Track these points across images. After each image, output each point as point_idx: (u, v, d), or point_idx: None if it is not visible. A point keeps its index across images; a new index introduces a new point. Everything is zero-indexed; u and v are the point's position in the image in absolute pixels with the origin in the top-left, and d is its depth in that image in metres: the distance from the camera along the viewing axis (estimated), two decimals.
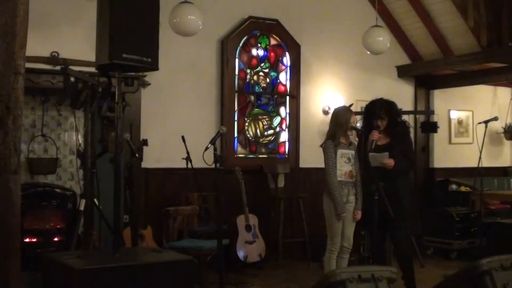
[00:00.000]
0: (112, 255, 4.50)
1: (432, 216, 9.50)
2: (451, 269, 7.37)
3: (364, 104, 9.54)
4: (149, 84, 7.99)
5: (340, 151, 6.31)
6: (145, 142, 7.38)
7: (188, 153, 6.95)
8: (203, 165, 5.91)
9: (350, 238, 6.41)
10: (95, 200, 5.69)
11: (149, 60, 4.47)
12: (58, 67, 7.09)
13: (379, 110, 6.60)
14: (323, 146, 6.41)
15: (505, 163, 11.58)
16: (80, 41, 7.42)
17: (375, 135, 6.48)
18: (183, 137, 7.00)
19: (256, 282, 7.65)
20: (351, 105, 6.65)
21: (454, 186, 10.36)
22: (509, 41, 8.83)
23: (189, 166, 6.86)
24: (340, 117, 6.44)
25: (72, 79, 5.49)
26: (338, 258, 6.38)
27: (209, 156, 5.72)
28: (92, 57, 4.56)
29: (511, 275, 4.83)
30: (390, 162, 6.39)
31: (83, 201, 5.65)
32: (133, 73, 7.42)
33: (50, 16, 7.42)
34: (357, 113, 8.81)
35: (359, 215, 6.35)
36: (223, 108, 8.66)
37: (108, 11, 4.30)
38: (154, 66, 4.54)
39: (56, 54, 7.47)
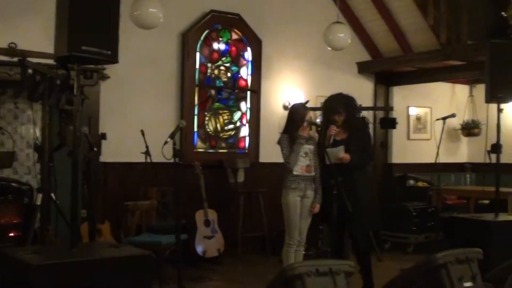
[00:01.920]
0: (69, 250, 4.45)
1: (390, 211, 9.60)
2: (408, 263, 7.39)
3: (324, 100, 9.62)
4: (108, 77, 7.93)
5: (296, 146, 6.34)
6: (103, 136, 7.32)
7: (147, 147, 6.92)
8: (162, 160, 5.90)
9: (304, 232, 6.45)
10: (52, 194, 5.63)
11: (109, 52, 4.43)
12: (15, 59, 6.98)
13: (337, 105, 6.63)
14: (278, 139, 6.44)
15: (462, 159, 11.75)
16: (38, 33, 7.32)
17: (332, 129, 6.51)
18: (142, 131, 6.97)
19: (214, 277, 7.66)
20: (307, 101, 6.68)
21: (411, 182, 10.48)
22: (468, 39, 8.95)
23: (148, 160, 6.83)
24: (295, 114, 6.46)
25: (29, 71, 5.43)
26: (291, 252, 6.42)
27: (168, 151, 5.71)
28: (50, 49, 4.52)
29: (466, 269, 4.92)
30: (346, 156, 6.42)
31: (39, 196, 5.58)
32: (92, 66, 7.36)
33: (8, 6, 7.32)
34: (316, 109, 8.89)
35: (317, 208, 6.39)
36: (183, 102, 8.63)
37: (68, 2, 4.25)
38: (113, 59, 4.51)
39: (13, 45, 7.36)
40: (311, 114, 6.54)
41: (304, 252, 6.64)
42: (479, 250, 5.17)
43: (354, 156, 6.46)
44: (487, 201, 9.56)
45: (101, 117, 7.94)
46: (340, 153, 6.41)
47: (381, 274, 7.13)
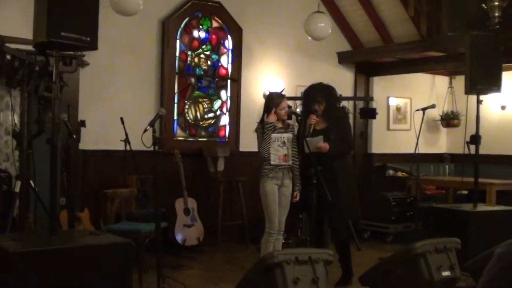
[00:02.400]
0: (48, 237, 4.44)
1: (369, 201, 9.64)
2: (387, 252, 7.50)
3: (304, 89, 9.62)
4: (87, 64, 7.88)
5: (273, 135, 6.34)
6: (83, 123, 7.29)
7: (126, 135, 6.89)
8: (142, 148, 5.87)
9: (282, 223, 6.47)
10: (30, 182, 5.60)
11: (88, 39, 4.40)
12: None
13: (317, 95, 6.65)
14: (256, 128, 6.45)
15: (441, 150, 11.82)
16: (17, 18, 7.26)
17: (312, 119, 6.53)
18: (121, 119, 6.93)
19: (194, 265, 7.66)
20: (283, 89, 6.69)
21: (391, 172, 10.54)
22: (448, 30, 8.98)
23: (128, 148, 6.80)
24: (270, 102, 6.47)
25: (8, 57, 5.38)
26: (270, 241, 6.44)
27: (148, 139, 5.68)
28: (29, 35, 4.47)
29: (445, 258, 4.97)
30: (325, 146, 6.44)
31: (18, 183, 5.54)
32: (71, 52, 7.31)
33: None
34: (297, 98, 8.90)
35: (298, 196, 6.41)
36: (163, 90, 8.60)
37: None
38: (93, 46, 4.47)
39: None
40: (287, 102, 6.51)
41: (283, 241, 6.67)
42: (458, 240, 5.22)
43: (333, 146, 6.49)
44: (465, 192, 9.64)
45: (80, 104, 7.89)
46: (319, 143, 6.43)
47: (360, 263, 7.19)
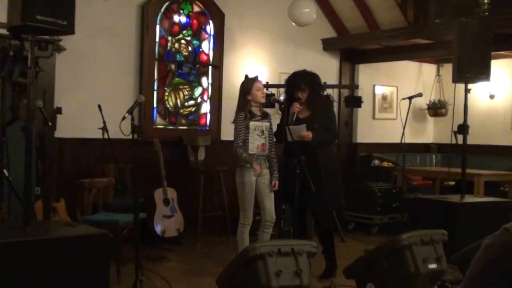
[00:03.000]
0: (23, 228, 4.42)
1: (354, 191, 9.69)
2: (372, 244, 7.54)
3: (287, 77, 9.61)
4: (64, 49, 7.83)
5: (253, 124, 6.34)
6: (59, 110, 7.25)
7: (104, 122, 6.85)
8: (120, 136, 5.84)
9: (272, 212, 6.48)
10: (4, 170, 5.57)
11: (65, 23, 4.37)
12: None
13: (300, 82, 6.66)
14: (234, 118, 6.45)
15: (428, 140, 11.89)
16: None
17: (295, 107, 6.54)
18: (99, 106, 6.90)
19: (173, 257, 7.67)
20: (256, 76, 6.73)
21: (376, 162, 10.59)
22: (436, 17, 9.01)
23: (106, 136, 6.77)
24: (243, 86, 6.50)
25: None
26: (261, 233, 6.47)
27: (127, 127, 5.65)
28: (3, 18, 4.44)
29: (431, 250, 5.01)
30: (308, 134, 6.46)
31: None
32: (47, 37, 7.25)
33: None
34: (280, 86, 8.90)
35: (276, 185, 6.42)
36: (142, 76, 8.57)
37: None
38: (70, 30, 4.45)
39: None
40: (262, 84, 6.52)
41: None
42: (444, 231, 5.26)
43: (316, 135, 6.50)
44: (452, 183, 9.71)
45: (56, 90, 7.84)
46: (302, 131, 6.44)
47: (345, 255, 7.23)
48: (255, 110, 6.41)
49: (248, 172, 6.34)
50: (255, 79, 6.54)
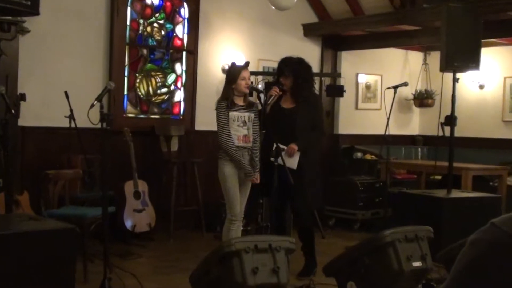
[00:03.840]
0: None
1: (335, 185, 9.73)
2: (354, 240, 7.56)
3: (266, 64, 9.61)
4: (28, 31, 7.76)
5: (233, 114, 6.30)
6: (22, 97, 7.20)
7: (71, 110, 6.82)
8: (88, 125, 5.81)
9: (242, 206, 6.48)
10: None
11: (29, 3, 4.35)
12: None
13: (284, 67, 6.67)
14: (215, 107, 6.41)
15: (414, 132, 11.95)
16: None
17: (273, 90, 6.54)
18: (66, 93, 6.86)
19: (144, 253, 7.65)
20: (247, 63, 6.66)
21: (359, 154, 10.61)
22: (424, 2, 9.02)
23: (73, 125, 6.75)
24: (229, 73, 6.46)
25: None
26: (226, 230, 6.44)
27: (95, 115, 5.62)
28: None
29: (416, 248, 5.03)
30: (292, 147, 6.45)
31: None
32: (10, 18, 7.17)
33: None
34: (258, 73, 8.89)
35: (258, 178, 6.40)
36: (112, 61, 8.52)
37: None
38: (34, 10, 4.43)
39: None
40: (249, 73, 6.48)
41: (242, 228, 6.68)
42: (430, 228, 5.29)
43: (301, 142, 6.50)
44: (439, 177, 9.75)
45: (20, 75, 7.77)
46: (286, 150, 6.44)
47: (325, 251, 7.26)
48: (238, 100, 6.37)
49: (229, 164, 6.29)
50: (243, 67, 6.46)
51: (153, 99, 9.09)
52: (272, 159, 6.18)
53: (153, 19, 9.02)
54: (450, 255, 5.23)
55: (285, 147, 6.39)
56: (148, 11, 8.96)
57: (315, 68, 10.34)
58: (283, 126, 6.51)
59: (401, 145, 11.33)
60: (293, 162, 6.41)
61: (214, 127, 6.45)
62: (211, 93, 9.14)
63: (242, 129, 6.33)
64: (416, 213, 7.09)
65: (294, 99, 6.66)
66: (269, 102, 6.49)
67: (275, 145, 6.18)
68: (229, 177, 6.31)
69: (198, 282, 4.61)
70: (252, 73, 8.78)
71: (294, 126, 6.56)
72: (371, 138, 10.64)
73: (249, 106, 6.43)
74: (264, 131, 6.68)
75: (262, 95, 6.48)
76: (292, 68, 6.64)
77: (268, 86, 6.73)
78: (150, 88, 9.06)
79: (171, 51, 9.21)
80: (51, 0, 7.64)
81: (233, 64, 6.61)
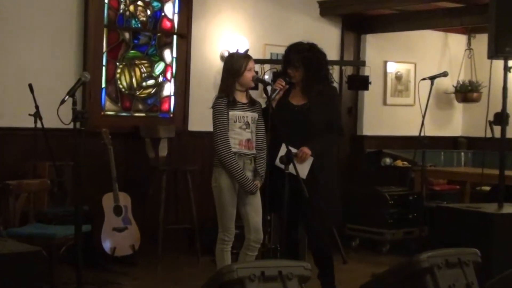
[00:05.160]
0: None
1: (359, 198, 9.70)
2: (382, 266, 7.55)
3: (274, 50, 9.59)
4: None
5: (234, 114, 6.24)
6: None
7: (37, 107, 6.82)
8: (58, 125, 5.80)
9: (259, 230, 6.36)
10: None
11: None
12: None
13: (293, 56, 6.60)
14: (212, 104, 6.35)
15: (455, 132, 11.93)
16: None
17: (278, 83, 6.48)
18: (30, 86, 6.86)
19: (126, 282, 7.66)
20: (247, 50, 6.62)
21: (388, 160, 10.59)
22: None
23: (39, 125, 6.74)
24: (231, 65, 6.39)
25: None
26: (243, 256, 6.39)
27: (67, 113, 5.61)
28: None
29: (459, 274, 4.99)
30: (305, 151, 6.38)
31: None
32: None
33: None
34: (265, 61, 8.87)
35: (258, 184, 6.32)
36: (87, 48, 8.52)
37: None
38: None
39: None
40: (253, 64, 6.44)
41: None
42: (476, 251, 5.25)
43: (315, 145, 6.45)
44: (487, 188, 9.72)
45: None
46: (292, 151, 6.39)
47: (347, 280, 7.24)
48: (240, 96, 6.32)
49: (227, 173, 6.25)
50: (248, 57, 6.42)
51: (137, 93, 9.10)
52: (280, 165, 6.12)
53: None
54: (503, 285, 5.20)
55: (296, 151, 6.34)
56: None
57: (334, 55, 10.37)
58: (293, 126, 6.46)
59: (440, 149, 11.31)
60: (303, 170, 6.35)
61: (210, 128, 6.41)
62: (208, 86, 9.14)
63: (245, 132, 6.27)
64: (459, 232, 7.05)
65: (306, 94, 6.61)
66: (273, 97, 6.43)
67: (285, 149, 6.14)
68: (226, 190, 6.26)
69: None
70: (257, 61, 8.77)
71: (307, 126, 6.51)
72: (403, 141, 10.63)
73: (252, 104, 6.38)
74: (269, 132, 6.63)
75: (269, 88, 6.42)
76: (301, 56, 6.59)
77: (276, 76, 6.66)
78: (134, 80, 9.06)
79: (158, 34, 9.21)
80: None
81: (233, 55, 6.57)
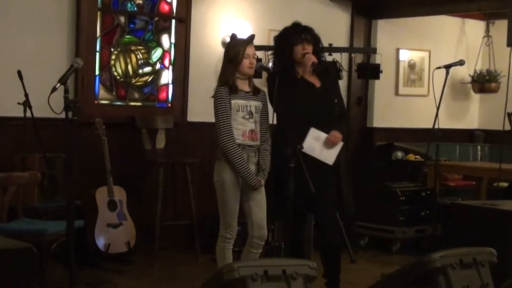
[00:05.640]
0: None
1: (368, 194, 9.70)
2: (392, 265, 7.57)
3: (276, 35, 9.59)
4: None
5: (236, 102, 6.24)
6: None
7: (26, 95, 6.85)
8: (49, 114, 5.82)
9: (262, 226, 6.37)
10: None
11: None
12: None
13: (302, 33, 6.64)
14: (214, 93, 6.35)
15: (472, 125, 11.93)
16: None
17: (312, 57, 6.51)
18: (19, 72, 6.88)
19: (121, 281, 7.66)
20: (252, 36, 6.59)
21: (399, 154, 10.59)
22: None
23: (28, 115, 6.76)
24: (229, 51, 6.39)
25: None
26: (246, 253, 6.40)
27: (58, 101, 5.64)
28: None
29: (474, 275, 5.00)
30: (335, 135, 6.44)
31: None
32: None
33: None
34: (269, 48, 8.87)
35: (262, 180, 6.34)
36: (79, 33, 8.53)
37: None
38: None
39: None
40: (253, 50, 6.43)
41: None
42: (493, 250, 5.27)
43: (343, 129, 6.52)
44: (505, 184, 9.73)
45: None
46: (321, 135, 6.42)
47: (355, 280, 7.27)
48: (242, 84, 6.31)
49: (230, 167, 6.25)
50: (247, 41, 6.40)
51: (133, 81, 9.11)
52: (309, 151, 6.22)
53: None
54: None
55: (325, 135, 6.40)
56: None
57: (343, 42, 10.39)
58: (316, 109, 6.50)
59: (455, 142, 11.31)
60: (331, 156, 6.40)
61: (211, 118, 6.42)
62: (208, 73, 9.15)
63: (248, 122, 6.26)
64: (475, 230, 7.07)
65: (316, 73, 6.64)
66: (311, 68, 6.50)
67: (315, 133, 6.24)
68: (229, 185, 6.25)
69: None
70: (260, 48, 8.78)
71: (330, 108, 6.57)
72: (415, 133, 10.64)
73: (255, 93, 6.37)
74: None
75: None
76: (310, 33, 6.65)
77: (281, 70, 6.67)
78: (129, 67, 9.07)
79: (156, 18, 9.21)
80: None
81: (233, 36, 6.54)
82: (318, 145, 6.37)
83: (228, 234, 6.34)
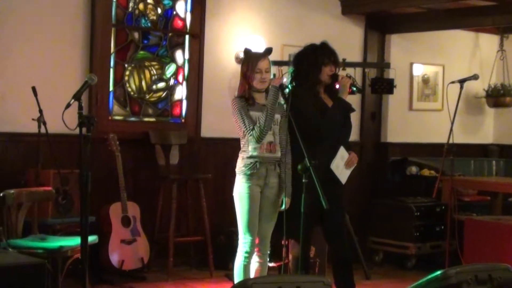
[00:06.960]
0: None
1: (383, 209, 9.68)
2: (407, 282, 7.54)
3: (293, 51, 9.56)
4: None
5: (254, 114, 6.21)
6: None
7: (41, 111, 6.86)
8: (63, 130, 5.83)
9: (266, 238, 6.41)
10: None
11: None
12: None
13: (332, 54, 6.69)
14: (231, 103, 6.33)
15: (486, 140, 11.89)
16: None
17: (348, 79, 6.68)
18: (34, 89, 6.90)
19: None
20: (269, 49, 6.56)
21: (414, 169, 10.57)
22: None
23: (43, 130, 6.77)
24: (244, 64, 6.40)
25: None
26: (251, 263, 6.41)
27: (72, 117, 5.65)
28: None
29: None
30: (356, 157, 6.57)
31: None
32: None
33: None
34: (283, 63, 8.88)
35: (288, 204, 6.30)
36: (93, 49, 8.55)
37: None
38: None
39: None
40: (266, 64, 6.39)
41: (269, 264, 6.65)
42: (508, 266, 5.25)
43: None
44: None
45: None
46: (345, 155, 6.50)
47: None
48: (259, 97, 6.31)
49: (250, 180, 6.21)
50: (261, 55, 6.40)
51: (147, 97, 9.11)
52: (335, 170, 6.40)
53: None
54: None
55: (347, 155, 6.52)
56: None
57: (357, 56, 10.38)
58: (339, 131, 6.57)
59: (470, 157, 11.28)
60: (346, 175, 6.54)
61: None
62: (222, 89, 9.16)
63: (267, 134, 6.26)
64: (490, 246, 7.05)
65: (330, 95, 6.69)
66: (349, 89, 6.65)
67: (344, 153, 6.39)
68: (248, 198, 6.23)
69: None
70: (274, 63, 8.77)
71: (347, 130, 6.72)
72: (430, 148, 10.61)
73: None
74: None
75: (286, 91, 6.42)
76: (335, 56, 6.73)
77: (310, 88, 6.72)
78: (143, 83, 9.08)
79: (170, 34, 9.23)
80: None
81: (246, 51, 6.55)
82: (341, 163, 6.44)
83: (248, 248, 6.30)
